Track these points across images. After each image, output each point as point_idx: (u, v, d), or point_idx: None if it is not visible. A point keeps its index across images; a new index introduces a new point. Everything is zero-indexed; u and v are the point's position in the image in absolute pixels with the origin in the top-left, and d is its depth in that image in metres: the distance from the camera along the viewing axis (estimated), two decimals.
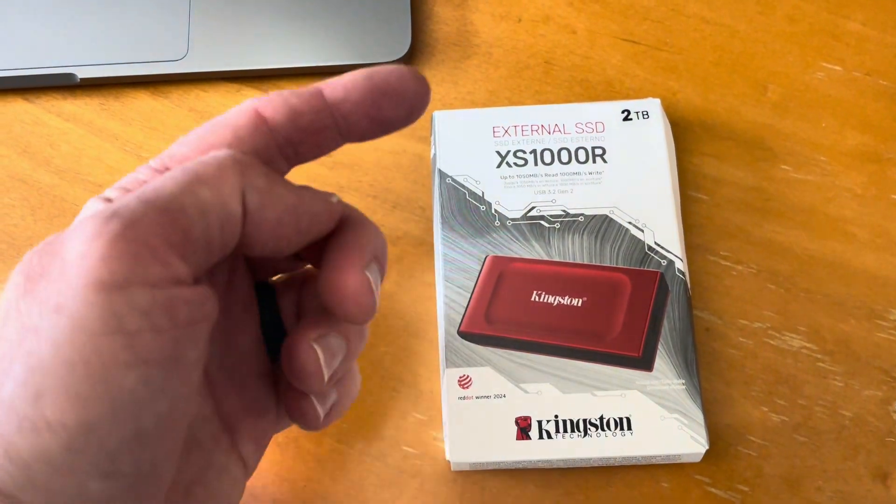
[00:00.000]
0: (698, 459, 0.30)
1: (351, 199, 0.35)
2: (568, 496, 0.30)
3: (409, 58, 0.37)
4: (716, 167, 0.35)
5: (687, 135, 0.35)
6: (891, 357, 0.32)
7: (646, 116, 0.33)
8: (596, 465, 0.30)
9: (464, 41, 0.38)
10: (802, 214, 0.34)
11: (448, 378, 0.30)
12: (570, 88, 0.36)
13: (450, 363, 0.30)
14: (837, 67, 0.36)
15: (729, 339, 0.32)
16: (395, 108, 0.20)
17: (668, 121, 0.34)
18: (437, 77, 0.37)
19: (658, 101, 0.34)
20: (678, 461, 0.30)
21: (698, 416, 0.29)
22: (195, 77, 0.37)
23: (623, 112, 0.33)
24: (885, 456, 0.31)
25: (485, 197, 0.33)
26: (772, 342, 0.32)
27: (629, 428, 0.29)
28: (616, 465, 0.30)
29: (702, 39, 0.37)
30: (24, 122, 0.37)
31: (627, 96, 0.36)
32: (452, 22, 0.38)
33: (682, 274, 0.31)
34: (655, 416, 0.29)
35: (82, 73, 0.36)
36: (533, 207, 0.32)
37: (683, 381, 0.30)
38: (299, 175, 0.36)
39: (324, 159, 0.36)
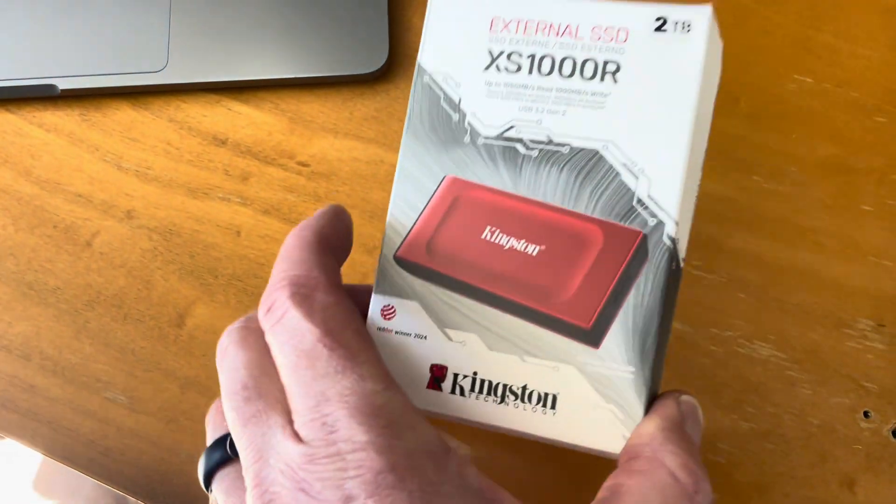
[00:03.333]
0: (615, 454, 0.25)
1: None
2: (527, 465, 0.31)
3: (387, 69, 0.37)
4: None
5: None
6: (858, 366, 0.32)
7: (686, 29, 0.25)
8: (516, 435, 0.26)
9: None
10: (773, 224, 0.34)
11: (373, 305, 0.26)
12: None
13: (378, 289, 0.26)
14: (808, 79, 0.36)
15: (699, 348, 0.33)
16: None
17: (718, 40, 0.26)
18: None
19: (710, 8, 0.25)
20: (603, 456, 0.25)
21: (638, 413, 0.24)
22: (175, 88, 0.37)
23: (658, 20, 0.25)
24: (852, 463, 0.31)
25: (460, 105, 0.27)
26: (742, 350, 0.33)
27: (553, 407, 0.24)
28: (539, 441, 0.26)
29: None
30: (5, 132, 0.37)
31: None
32: None
33: (672, 241, 0.24)
34: (587, 402, 0.24)
35: (63, 85, 0.36)
36: (512, 126, 0.26)
37: (633, 370, 0.24)
38: (279, 182, 0.36)
39: (300, 169, 0.36)
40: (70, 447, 0.33)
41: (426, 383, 0.25)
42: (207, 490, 0.24)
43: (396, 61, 0.38)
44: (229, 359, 0.23)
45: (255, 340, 0.23)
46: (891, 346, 0.32)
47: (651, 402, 0.24)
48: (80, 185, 0.36)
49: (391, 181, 0.36)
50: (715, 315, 0.33)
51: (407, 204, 0.27)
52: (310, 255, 0.22)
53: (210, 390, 0.33)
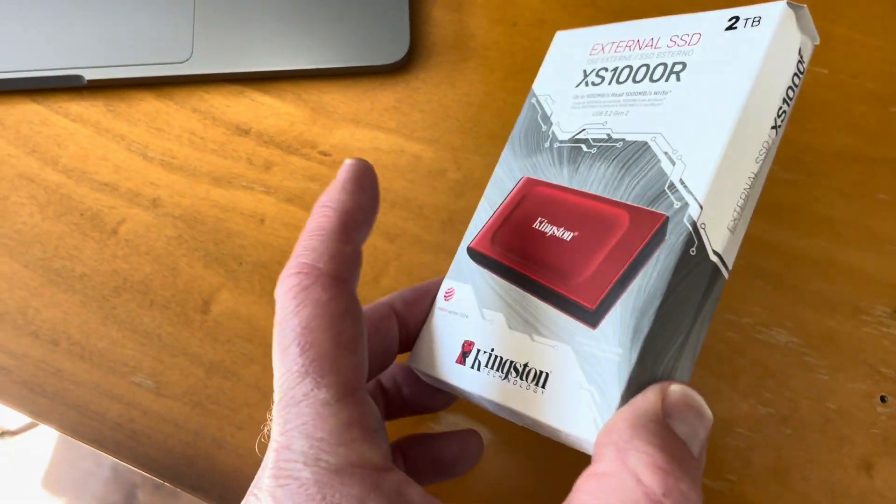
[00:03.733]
0: (590, 447, 0.23)
1: None
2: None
3: (408, 60, 0.38)
4: None
5: None
6: (875, 351, 0.33)
7: (755, 24, 0.24)
8: (512, 419, 0.26)
9: (461, 44, 0.39)
10: (790, 213, 0.35)
11: (441, 288, 0.29)
12: None
13: (449, 276, 0.29)
14: (824, 70, 0.37)
15: (718, 334, 0.33)
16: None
17: (797, 31, 0.25)
18: (434, 79, 0.38)
19: (784, 3, 0.24)
20: (580, 446, 0.23)
21: (615, 396, 0.22)
22: (199, 79, 0.37)
23: (731, 20, 0.25)
24: (869, 447, 0.32)
25: (551, 117, 0.29)
26: (759, 337, 0.33)
27: (543, 386, 0.24)
28: (528, 427, 0.26)
29: None
30: (32, 122, 0.38)
31: None
32: (449, 25, 0.39)
33: (693, 223, 0.23)
34: (573, 382, 0.23)
35: (89, 75, 0.37)
36: (583, 130, 0.28)
37: (621, 352, 0.22)
38: (301, 171, 0.36)
39: (322, 158, 0.37)
40: (97, 430, 0.33)
41: (457, 357, 0.27)
42: None
43: (417, 53, 0.38)
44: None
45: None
46: None
47: (635, 388, 0.22)
48: (106, 173, 0.37)
49: (412, 170, 0.36)
50: (733, 302, 0.34)
51: (489, 203, 0.29)
52: (324, 244, 0.22)
53: (235, 375, 0.34)
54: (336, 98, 0.38)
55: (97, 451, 0.33)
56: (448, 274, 0.29)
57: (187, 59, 0.37)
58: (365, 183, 0.24)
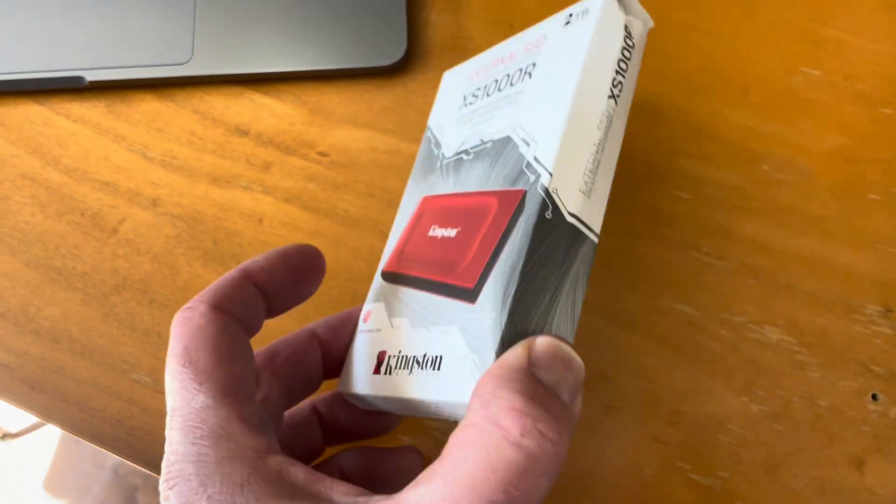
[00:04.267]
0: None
1: (348, 197, 0.37)
2: None
3: (405, 62, 0.38)
4: (699, 167, 0.36)
5: (671, 137, 0.37)
6: (866, 349, 0.33)
7: (584, 15, 0.27)
8: (426, 415, 0.26)
9: (458, 46, 0.39)
10: (782, 213, 0.35)
11: (362, 313, 0.30)
12: None
13: (368, 300, 0.30)
14: (817, 72, 0.37)
15: (711, 332, 0.34)
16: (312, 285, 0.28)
17: (621, 13, 0.27)
18: (431, 80, 0.38)
19: None
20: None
21: (490, 357, 0.22)
22: (199, 80, 0.38)
23: (567, 17, 0.28)
24: (860, 444, 0.32)
25: (440, 141, 0.32)
26: (752, 335, 0.33)
27: (438, 368, 0.24)
28: (445, 418, 0.26)
29: (687, 45, 0.39)
30: (34, 123, 0.38)
31: None
32: (447, 28, 0.39)
33: (545, 189, 0.24)
34: (460, 356, 0.24)
35: (90, 77, 0.38)
36: (463, 143, 0.30)
37: (493, 316, 0.23)
38: (299, 171, 0.37)
39: (321, 159, 0.37)
40: (97, 427, 0.34)
41: (373, 369, 0.27)
42: None
43: (414, 54, 0.39)
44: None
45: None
46: None
47: (502, 345, 0.23)
48: (106, 173, 0.37)
49: (408, 170, 0.37)
50: (725, 300, 0.34)
51: (399, 230, 0.31)
52: (216, 286, 0.25)
53: None
54: (334, 99, 0.38)
55: (98, 453, 0.33)
56: (367, 299, 0.31)
57: (188, 61, 0.38)
58: (291, 260, 0.27)
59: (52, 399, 0.34)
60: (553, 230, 0.24)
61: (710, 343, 0.33)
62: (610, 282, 0.34)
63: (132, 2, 0.39)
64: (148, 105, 0.38)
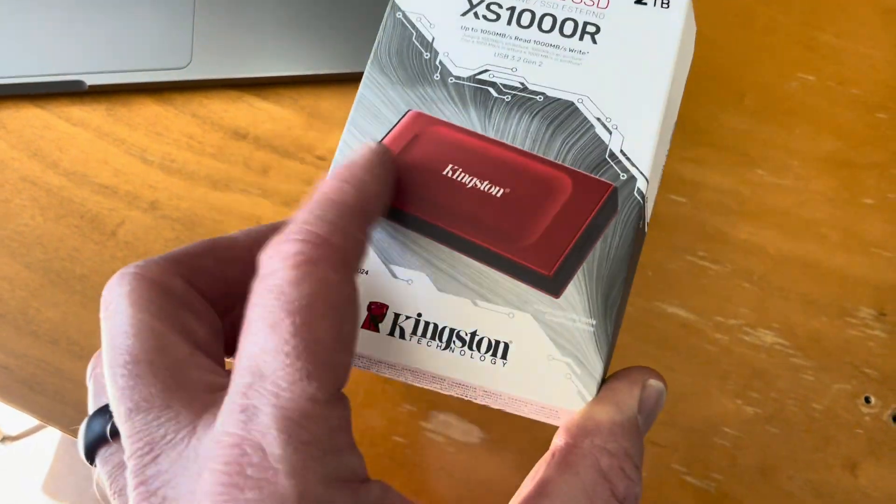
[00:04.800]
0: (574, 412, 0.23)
1: None
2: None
3: None
4: (695, 171, 0.36)
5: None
6: (860, 353, 0.33)
7: (665, 6, 0.26)
8: (452, 392, 0.24)
9: None
10: (777, 217, 0.35)
11: None
12: None
13: None
14: (811, 77, 0.38)
15: (705, 335, 0.34)
16: None
17: (693, 23, 0.27)
18: None
19: None
20: (551, 416, 0.24)
21: (597, 367, 0.22)
22: (198, 84, 0.38)
23: None
24: (854, 447, 0.32)
25: (433, 44, 0.27)
26: (746, 338, 0.34)
27: (504, 357, 0.22)
28: (476, 401, 0.24)
29: None
30: (34, 126, 0.39)
31: None
32: None
33: (642, 197, 0.24)
34: (542, 353, 0.22)
35: (90, 81, 0.38)
36: (486, 70, 0.26)
37: (594, 323, 0.22)
38: (297, 175, 0.37)
39: (318, 162, 0.37)
40: None
41: (362, 322, 0.23)
42: (90, 463, 0.21)
43: None
44: (117, 317, 0.19)
45: (156, 297, 0.19)
46: (892, 335, 0.33)
47: (609, 359, 0.23)
48: (105, 176, 0.38)
49: None
50: (720, 303, 0.34)
51: (363, 134, 0.25)
52: (338, 218, 0.19)
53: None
54: (332, 103, 0.38)
55: None
56: None
57: (186, 65, 0.38)
58: (387, 174, 0.22)
59: (50, 401, 0.34)
60: (640, 241, 0.25)
61: (705, 346, 0.34)
62: None
63: (132, 7, 0.39)
64: (147, 109, 0.39)
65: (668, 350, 0.33)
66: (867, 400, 0.33)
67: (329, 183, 0.20)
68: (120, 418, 0.18)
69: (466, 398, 0.24)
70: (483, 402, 0.24)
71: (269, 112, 0.38)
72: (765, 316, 0.34)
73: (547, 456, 0.22)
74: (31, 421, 1.24)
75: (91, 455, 0.20)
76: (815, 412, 0.33)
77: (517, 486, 0.32)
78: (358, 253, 0.19)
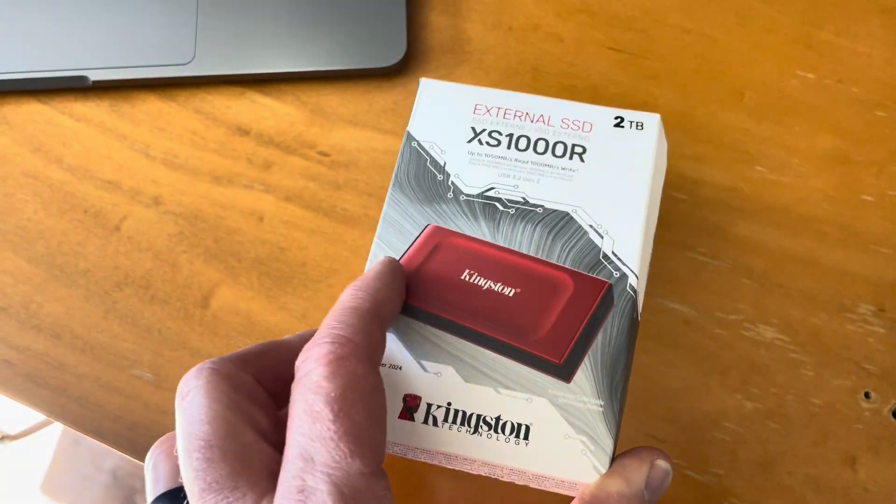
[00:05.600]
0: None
1: (348, 196, 0.37)
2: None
3: (405, 63, 0.39)
4: (695, 169, 0.36)
5: (668, 138, 0.37)
6: (859, 348, 0.33)
7: (640, 128, 0.31)
8: (481, 471, 0.27)
9: (457, 48, 0.40)
10: (776, 213, 0.36)
11: None
12: (556, 93, 0.38)
13: None
14: (811, 75, 0.38)
15: (706, 331, 0.34)
16: None
17: (664, 139, 0.31)
18: None
19: (658, 116, 0.31)
20: (570, 489, 0.26)
21: (607, 443, 0.25)
22: (201, 80, 0.38)
23: (616, 118, 0.31)
24: (853, 442, 0.32)
25: (445, 167, 0.30)
26: (746, 334, 0.34)
27: (526, 437, 0.26)
28: (503, 478, 0.27)
29: (683, 48, 0.39)
30: (37, 122, 0.39)
31: (611, 101, 0.38)
32: (446, 30, 0.40)
33: (634, 292, 0.28)
34: (559, 433, 0.25)
35: (94, 76, 0.38)
36: (492, 188, 0.30)
37: (602, 403, 0.26)
38: (300, 170, 0.37)
39: (321, 158, 0.38)
40: (98, 422, 0.34)
41: (398, 413, 0.26)
42: None
43: (413, 56, 0.39)
44: (194, 406, 0.21)
45: (228, 390, 0.22)
46: (891, 330, 0.34)
47: (618, 435, 0.26)
48: (109, 172, 0.38)
49: None
50: (721, 300, 0.34)
51: (390, 246, 0.29)
52: (358, 321, 0.22)
53: None
54: (334, 100, 0.39)
55: (97, 456, 0.33)
56: None
57: (190, 61, 0.38)
58: (396, 281, 0.26)
59: (53, 394, 0.34)
60: (635, 329, 0.28)
61: (706, 341, 0.34)
62: None
63: (135, 3, 0.39)
64: (150, 105, 0.39)
65: (669, 345, 0.34)
66: (867, 395, 0.33)
67: (347, 293, 0.24)
68: (193, 497, 0.20)
69: (494, 476, 0.27)
70: (509, 480, 0.27)
71: (271, 108, 0.39)
72: (765, 312, 0.34)
73: None
74: (31, 420, 1.24)
75: None
76: (815, 407, 0.33)
77: (521, 488, 0.32)
78: (378, 348, 0.22)
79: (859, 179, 0.36)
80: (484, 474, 0.27)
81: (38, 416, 1.21)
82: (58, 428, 1.22)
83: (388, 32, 0.38)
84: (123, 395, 0.34)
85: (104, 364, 0.35)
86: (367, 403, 0.20)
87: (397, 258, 0.29)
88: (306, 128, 0.38)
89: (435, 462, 0.27)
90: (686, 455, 0.32)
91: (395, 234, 0.29)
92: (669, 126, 0.37)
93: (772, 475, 0.32)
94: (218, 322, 0.35)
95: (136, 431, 0.34)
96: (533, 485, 0.27)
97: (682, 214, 0.36)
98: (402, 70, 0.39)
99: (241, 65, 0.38)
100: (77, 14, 0.39)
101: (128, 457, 0.34)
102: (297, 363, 0.21)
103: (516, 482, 0.27)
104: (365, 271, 0.28)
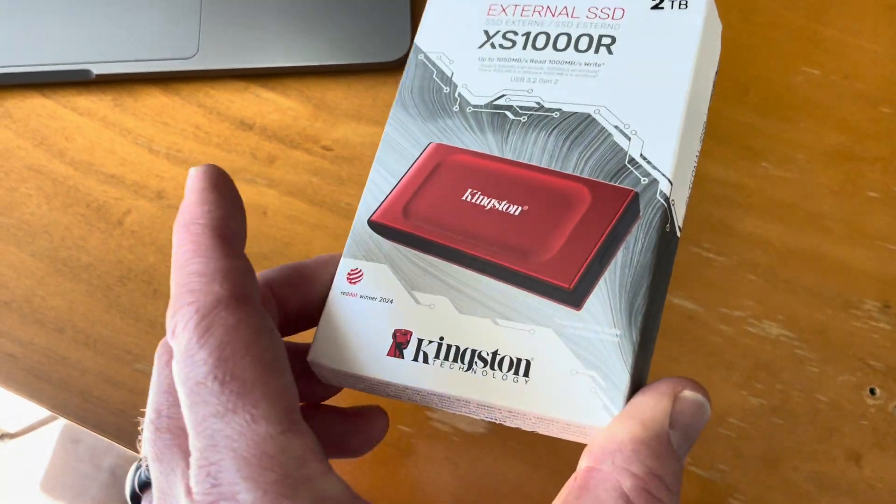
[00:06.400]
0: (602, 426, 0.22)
1: (351, 190, 0.37)
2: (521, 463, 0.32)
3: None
4: (700, 164, 0.36)
5: None
6: (864, 344, 0.33)
7: (684, 6, 0.26)
8: (480, 415, 0.24)
9: None
10: (782, 209, 0.36)
11: (340, 268, 0.25)
12: None
13: (347, 252, 0.25)
14: (816, 71, 0.38)
15: (710, 327, 0.34)
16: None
17: (717, 21, 0.26)
18: None
19: None
20: (580, 434, 0.22)
21: (622, 379, 0.21)
22: (205, 75, 0.38)
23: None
24: (859, 438, 0.32)
25: (452, 78, 0.27)
26: (751, 329, 0.34)
27: (526, 374, 0.22)
28: (506, 422, 0.24)
29: None
30: (40, 115, 0.39)
31: None
32: None
33: (666, 199, 0.23)
34: (565, 368, 0.22)
35: (97, 70, 0.38)
36: (503, 95, 0.26)
37: (619, 333, 0.22)
38: (304, 165, 0.37)
39: (324, 153, 0.38)
40: (101, 416, 0.34)
41: (387, 350, 0.23)
42: None
43: None
44: (154, 377, 0.21)
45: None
46: None
47: (639, 373, 0.22)
48: (112, 166, 0.38)
49: None
50: (725, 296, 0.34)
51: (388, 170, 0.26)
52: (209, 265, 0.19)
53: None
54: (338, 94, 0.38)
55: (96, 454, 0.33)
56: (346, 252, 0.25)
57: (193, 55, 0.38)
58: (224, 188, 0.21)
59: (56, 388, 0.34)
60: (668, 244, 0.24)
61: (711, 337, 0.34)
62: None
63: None
64: (154, 99, 0.39)
65: (674, 341, 0.34)
66: (872, 391, 0.33)
67: (177, 236, 0.20)
68: (150, 466, 0.20)
69: (497, 421, 0.24)
70: (513, 425, 0.23)
71: (275, 103, 0.38)
72: (770, 308, 0.34)
73: (570, 481, 0.20)
74: (31, 418, 1.23)
75: (136, 497, 0.23)
76: (820, 403, 0.33)
77: (523, 478, 0.32)
78: (244, 279, 0.19)
79: (864, 176, 0.36)
80: (483, 418, 0.24)
81: (37, 415, 1.21)
82: (57, 426, 1.22)
83: (393, 27, 0.38)
84: (126, 389, 0.34)
85: (107, 358, 0.35)
86: (254, 353, 0.18)
87: (393, 182, 0.26)
88: (310, 122, 0.38)
89: (429, 405, 0.24)
90: (690, 451, 0.32)
91: (395, 157, 0.26)
92: None
93: (776, 471, 0.32)
94: None
95: (138, 426, 0.34)
96: (541, 431, 0.23)
97: (687, 210, 0.36)
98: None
99: (245, 59, 0.38)
100: (80, 8, 0.39)
101: (127, 455, 0.33)
102: (167, 335, 0.19)
103: (523, 429, 0.23)
104: (362, 201, 0.26)
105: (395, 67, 0.39)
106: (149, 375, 0.34)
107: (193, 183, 0.21)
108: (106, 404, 0.34)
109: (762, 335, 0.34)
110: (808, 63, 0.38)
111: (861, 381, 0.33)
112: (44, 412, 1.13)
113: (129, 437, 0.34)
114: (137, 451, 0.33)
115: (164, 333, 0.35)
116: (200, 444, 0.17)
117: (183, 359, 0.18)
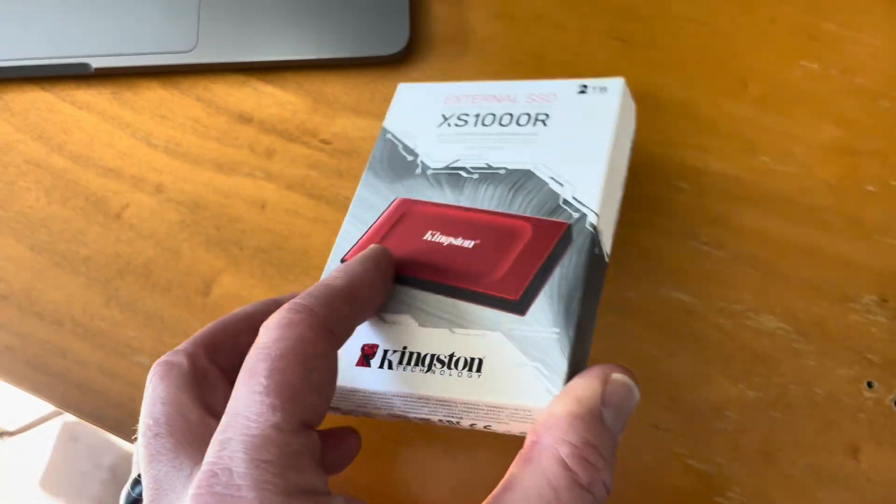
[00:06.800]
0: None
1: (350, 184, 0.37)
2: None
3: (407, 51, 0.39)
4: (698, 158, 0.36)
5: (671, 128, 0.37)
6: (862, 338, 0.33)
7: (603, 91, 0.32)
8: (439, 414, 0.27)
9: (460, 37, 0.39)
10: (780, 203, 0.36)
11: None
12: None
13: None
14: (815, 65, 0.38)
15: (709, 320, 0.34)
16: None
17: (631, 100, 0.32)
18: (433, 71, 0.39)
19: (622, 80, 0.32)
20: (526, 417, 0.25)
21: (561, 366, 0.25)
22: (203, 68, 0.38)
23: (581, 87, 0.32)
24: (856, 431, 0.32)
25: (415, 149, 0.32)
26: (749, 323, 0.34)
27: (479, 370, 0.25)
28: (462, 422, 0.27)
29: (686, 38, 0.39)
30: (39, 109, 0.39)
31: None
32: (449, 19, 0.40)
33: (594, 228, 0.28)
34: (511, 362, 0.25)
35: (96, 63, 0.38)
36: (458, 160, 0.31)
37: (558, 331, 0.26)
38: (302, 159, 0.37)
39: (323, 147, 0.38)
40: (100, 409, 0.34)
41: (356, 362, 0.27)
42: None
43: (416, 44, 0.39)
44: (149, 392, 0.24)
45: (178, 375, 0.24)
46: (893, 320, 0.34)
47: (576, 364, 0.25)
48: (110, 159, 0.38)
49: None
50: (723, 289, 0.34)
51: (360, 220, 0.31)
52: (324, 295, 0.23)
53: None
54: (337, 88, 0.39)
55: (95, 452, 0.33)
56: None
57: (192, 49, 0.38)
58: (381, 265, 0.26)
59: (54, 381, 0.34)
60: (597, 265, 0.28)
61: (708, 331, 0.34)
62: (610, 270, 0.35)
63: None
64: (152, 92, 0.39)
65: (672, 335, 0.34)
66: (869, 385, 0.33)
67: (328, 275, 0.25)
68: (142, 469, 0.22)
69: (454, 425, 0.27)
70: (468, 424, 0.26)
71: (274, 96, 0.38)
72: (767, 301, 0.34)
73: (517, 456, 0.23)
74: (30, 416, 1.24)
75: None
76: (818, 397, 0.33)
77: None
78: (341, 324, 0.23)
79: (863, 169, 0.36)
80: (442, 421, 0.27)
81: (36, 413, 1.21)
82: (56, 424, 1.22)
83: (391, 21, 0.38)
84: (125, 381, 0.34)
85: (106, 351, 0.35)
86: (308, 368, 0.21)
87: (363, 229, 0.30)
88: (309, 116, 0.38)
89: (394, 414, 0.27)
90: (688, 444, 0.32)
91: (365, 210, 0.31)
92: (673, 116, 0.37)
93: (774, 464, 0.32)
94: (219, 310, 0.35)
95: (137, 418, 0.34)
96: (495, 428, 0.26)
97: (684, 204, 0.36)
98: (405, 59, 0.39)
99: (244, 53, 0.38)
100: (79, 1, 0.39)
101: (126, 454, 0.33)
102: (260, 329, 0.22)
103: (476, 426, 0.26)
104: (333, 248, 0.30)
105: (393, 61, 0.39)
106: (147, 368, 0.34)
107: (364, 251, 0.27)
108: (105, 397, 0.34)
109: (760, 328, 0.34)
110: (807, 57, 0.38)
111: (858, 374, 0.33)
112: (43, 410, 1.14)
113: (127, 429, 0.34)
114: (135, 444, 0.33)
115: (162, 326, 0.35)
116: (227, 420, 0.20)
117: (254, 348, 0.21)
